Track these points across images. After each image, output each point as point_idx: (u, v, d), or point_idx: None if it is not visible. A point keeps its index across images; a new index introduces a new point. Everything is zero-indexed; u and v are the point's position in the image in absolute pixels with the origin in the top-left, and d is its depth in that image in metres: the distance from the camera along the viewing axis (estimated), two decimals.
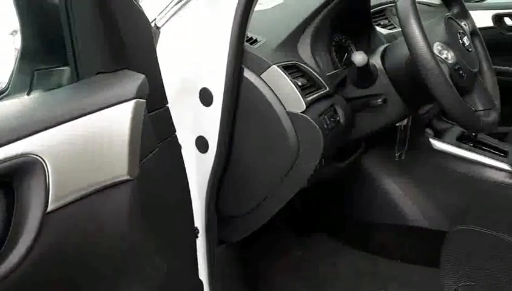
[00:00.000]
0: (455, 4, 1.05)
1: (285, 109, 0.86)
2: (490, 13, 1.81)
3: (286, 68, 0.88)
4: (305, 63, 0.95)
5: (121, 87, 0.58)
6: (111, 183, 0.56)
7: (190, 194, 0.88)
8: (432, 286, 1.21)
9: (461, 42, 0.94)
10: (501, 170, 1.20)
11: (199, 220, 1.00)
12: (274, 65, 0.86)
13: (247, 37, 0.90)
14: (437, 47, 0.89)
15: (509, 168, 1.19)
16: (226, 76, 0.84)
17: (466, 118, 0.82)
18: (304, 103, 0.86)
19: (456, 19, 1.00)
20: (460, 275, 0.82)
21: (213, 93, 0.87)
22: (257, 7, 0.88)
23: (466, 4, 1.11)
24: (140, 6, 0.68)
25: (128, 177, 0.58)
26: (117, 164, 0.56)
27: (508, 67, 1.83)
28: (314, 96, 0.90)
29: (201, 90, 0.88)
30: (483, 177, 1.21)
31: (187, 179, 0.85)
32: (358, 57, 0.93)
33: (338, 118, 0.96)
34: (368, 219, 1.41)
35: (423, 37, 0.80)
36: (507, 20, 1.82)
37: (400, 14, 0.83)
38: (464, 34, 0.97)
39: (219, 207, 1.00)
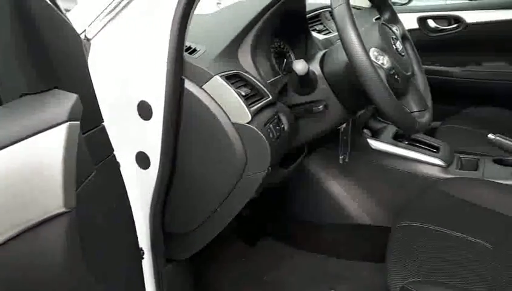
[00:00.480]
0: (386, 10, 1.10)
1: (230, 120, 0.84)
2: (415, 16, 1.93)
3: (228, 78, 0.86)
4: (247, 72, 0.94)
5: (50, 110, 0.53)
6: (45, 218, 0.50)
7: (132, 215, 0.83)
8: (380, 281, 1.26)
9: (394, 47, 0.98)
10: (434, 165, 1.27)
11: (144, 240, 0.95)
12: (216, 76, 0.84)
13: (185, 46, 0.87)
14: (373, 53, 0.91)
15: (442, 163, 1.27)
16: (166, 87, 0.80)
17: (404, 121, 0.85)
18: (249, 113, 0.84)
19: (388, 24, 1.04)
20: (406, 272, 0.85)
21: (153, 106, 0.82)
22: (195, 11, 0.85)
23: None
24: (67, 18, 0.62)
25: (64, 209, 0.52)
26: (51, 197, 0.50)
27: (433, 66, 1.97)
28: (258, 105, 0.89)
29: (139, 103, 0.83)
30: (418, 173, 1.28)
31: (128, 199, 0.80)
32: (299, 66, 0.93)
33: (282, 126, 0.96)
34: (315, 220, 1.43)
35: (360, 44, 0.82)
36: (430, 22, 1.96)
37: (337, 21, 0.84)
38: (396, 39, 1.01)
39: (165, 224, 0.95)
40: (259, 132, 0.85)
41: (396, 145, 1.32)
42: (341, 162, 1.30)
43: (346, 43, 0.83)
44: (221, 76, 0.84)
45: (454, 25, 1.90)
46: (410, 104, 0.97)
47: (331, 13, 1.53)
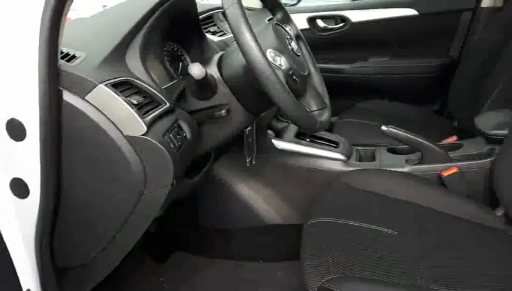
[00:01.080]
0: (278, 10, 1.09)
1: (122, 134, 0.75)
2: (305, 16, 2.00)
3: (115, 86, 0.77)
4: (138, 78, 0.85)
5: None
6: None
7: (9, 254, 0.70)
8: (297, 279, 1.26)
9: (290, 47, 0.97)
10: (336, 159, 1.31)
11: (32, 279, 0.81)
12: (101, 84, 0.74)
13: (62, 53, 0.76)
14: (270, 54, 0.90)
15: (342, 157, 1.31)
16: (40, 101, 0.68)
17: (305, 121, 0.85)
18: (144, 124, 0.76)
19: (281, 24, 1.03)
20: (322, 269, 0.84)
21: (25, 125, 0.70)
22: (72, 15, 0.74)
23: None
24: None
25: None
26: None
27: (324, 64, 2.06)
28: (154, 113, 0.81)
29: (7, 122, 0.70)
30: (322, 168, 1.30)
31: (2, 237, 0.67)
32: (195, 70, 0.87)
33: (184, 134, 0.89)
34: (228, 226, 1.39)
35: (257, 46, 0.79)
36: (319, 22, 2.04)
37: (231, 22, 0.80)
38: (291, 39, 1.01)
39: (56, 259, 0.83)
40: (157, 144, 0.77)
41: (299, 143, 1.34)
42: (248, 165, 1.27)
43: (242, 45, 0.79)
44: (106, 85, 0.75)
45: (341, 24, 2.01)
46: (309, 104, 0.97)
47: (224, 13, 1.51)
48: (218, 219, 1.41)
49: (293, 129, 1.41)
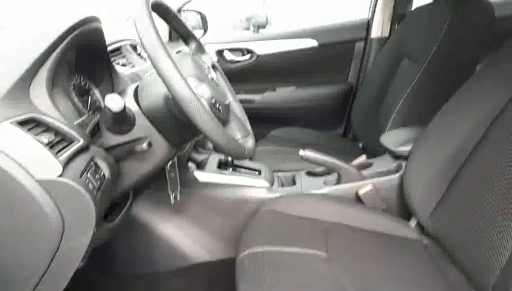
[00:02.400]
0: (192, 40, 1.08)
1: (34, 178, 0.65)
2: (214, 47, 2.02)
3: (21, 124, 0.67)
4: (45, 114, 0.76)
5: None
6: None
7: None
8: None
9: (209, 76, 0.96)
10: (260, 187, 1.31)
11: None
12: (4, 122, 0.64)
13: None
14: (191, 83, 0.87)
15: (266, 184, 1.32)
16: None
17: (233, 148, 0.83)
18: (59, 164, 0.67)
19: (197, 54, 1.02)
20: None
21: None
22: None
23: None
24: None
25: None
26: None
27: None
28: (68, 152, 0.73)
29: None
30: (247, 197, 1.29)
31: None
32: (113, 102, 0.81)
33: (102, 173, 0.81)
34: (151, 270, 1.29)
35: (179, 74, 0.76)
36: (227, 53, 2.08)
37: (149, 51, 0.77)
38: (209, 68, 1.00)
39: None
40: (76, 185, 0.68)
41: (222, 174, 1.32)
42: (172, 201, 1.21)
43: (163, 74, 0.75)
44: (11, 122, 0.65)
45: (247, 56, 2.07)
46: (234, 132, 0.96)
47: (132, 45, 1.46)
48: (140, 264, 1.30)
49: (214, 160, 1.39)
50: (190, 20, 2.00)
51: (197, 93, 0.85)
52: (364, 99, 1.87)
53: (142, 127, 0.90)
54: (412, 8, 1.92)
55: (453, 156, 1.06)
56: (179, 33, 1.06)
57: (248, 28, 2.89)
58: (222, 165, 1.36)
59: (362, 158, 1.48)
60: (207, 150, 1.47)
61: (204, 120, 0.76)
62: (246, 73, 2.08)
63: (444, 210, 1.04)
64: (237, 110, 1.07)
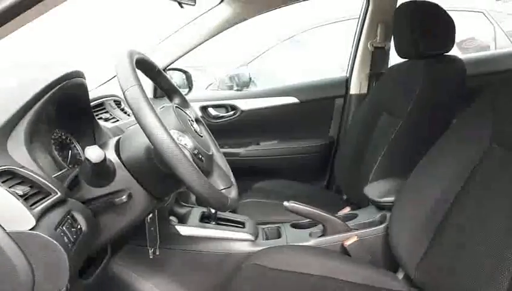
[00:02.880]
0: (176, 95, 1.10)
1: (4, 230, 0.63)
2: (198, 104, 2.06)
3: None
4: (22, 167, 0.75)
5: None
6: None
7: None
8: None
9: (193, 128, 0.97)
10: (244, 240, 1.28)
11: None
12: None
13: None
14: (174, 135, 0.87)
15: (250, 237, 1.29)
16: None
17: (216, 199, 0.82)
18: (32, 216, 0.65)
19: (180, 107, 1.03)
20: None
21: None
22: None
23: None
24: None
25: None
26: None
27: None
28: (44, 204, 0.71)
29: None
30: (231, 251, 1.26)
31: None
32: (93, 153, 0.80)
33: (79, 226, 0.79)
34: None
35: (162, 127, 0.77)
36: (211, 110, 2.12)
37: (131, 104, 0.78)
38: (193, 121, 1.01)
39: None
40: (49, 238, 0.66)
41: (205, 228, 1.29)
42: (151, 256, 1.16)
43: (145, 126, 0.76)
44: None
45: (231, 112, 2.12)
46: (217, 183, 0.96)
47: (116, 101, 1.48)
48: None
49: (196, 213, 1.36)
50: (175, 78, 2.06)
51: (180, 144, 0.85)
52: (346, 152, 1.91)
53: (123, 178, 0.89)
54: (389, 66, 2.02)
55: (435, 206, 1.07)
56: (163, 88, 1.08)
57: (231, 87, 2.97)
58: (205, 219, 1.34)
59: (346, 210, 1.48)
60: (190, 204, 1.45)
61: (186, 170, 0.76)
62: (230, 128, 2.11)
63: (431, 259, 1.03)
64: (220, 161, 1.07)
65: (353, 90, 2.10)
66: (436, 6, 1.52)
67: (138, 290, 1.20)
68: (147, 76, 1.00)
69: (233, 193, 0.95)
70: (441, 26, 1.51)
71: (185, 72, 2.05)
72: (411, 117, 1.48)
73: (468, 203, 1.00)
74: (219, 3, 1.77)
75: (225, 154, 2.08)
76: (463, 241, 0.96)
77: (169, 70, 1.97)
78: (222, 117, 2.11)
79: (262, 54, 3.34)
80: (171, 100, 1.10)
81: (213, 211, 1.34)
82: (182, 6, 1.33)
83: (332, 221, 1.29)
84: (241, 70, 3.04)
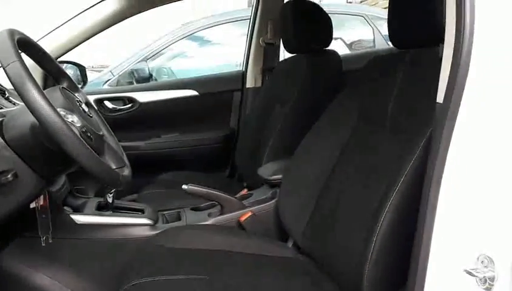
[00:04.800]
0: (63, 79, 1.08)
1: None
2: (93, 97, 2.01)
3: None
4: None
5: None
6: None
7: None
8: None
9: (81, 108, 0.97)
10: (142, 225, 1.30)
11: None
12: None
13: None
14: (61, 112, 0.87)
15: (149, 222, 1.31)
16: None
17: (108, 175, 0.84)
18: None
19: (68, 90, 1.02)
20: None
21: None
22: None
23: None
24: None
25: None
26: None
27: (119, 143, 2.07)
28: None
29: None
30: (129, 236, 1.27)
31: None
32: None
33: None
34: None
35: (47, 103, 0.76)
36: (107, 103, 2.08)
37: (14, 81, 0.77)
38: (81, 102, 1.01)
39: None
40: None
41: (102, 216, 1.28)
42: (43, 244, 1.12)
43: (30, 102, 0.76)
44: None
45: (129, 105, 2.10)
46: (109, 162, 0.97)
47: (0, 90, 1.38)
48: None
49: (92, 203, 1.34)
50: (68, 70, 1.98)
51: (67, 121, 0.86)
52: (245, 142, 2.02)
53: (8, 159, 0.86)
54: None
55: (315, 180, 1.20)
56: (51, 72, 1.06)
57: (131, 82, 2.93)
58: (101, 208, 1.33)
59: (243, 191, 1.58)
60: (86, 196, 1.43)
61: (74, 145, 0.77)
62: (129, 121, 2.09)
63: (312, 226, 1.16)
64: (112, 142, 1.08)
65: (249, 83, 2.22)
66: (316, 5, 1.70)
67: (31, 283, 1.16)
68: (31, 58, 0.98)
69: (126, 171, 0.97)
70: (321, 24, 1.69)
71: (78, 65, 1.99)
72: (297, 104, 1.64)
73: (340, 175, 1.15)
74: None
75: (125, 147, 2.07)
76: (335, 208, 1.09)
77: (60, 62, 1.89)
78: (119, 110, 2.09)
79: (163, 49, 3.34)
80: (58, 83, 1.08)
81: (110, 200, 1.33)
82: None
83: (228, 200, 1.38)
84: (140, 65, 3.01)
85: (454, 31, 0.70)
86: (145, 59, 3.09)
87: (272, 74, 2.03)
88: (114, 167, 0.97)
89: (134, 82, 2.99)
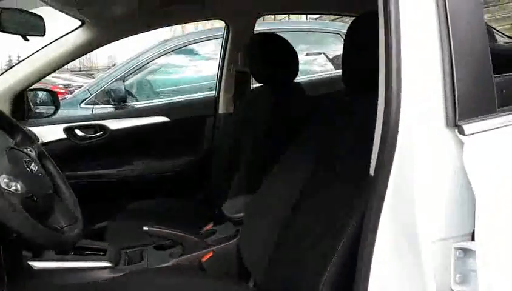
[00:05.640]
0: (17, 133, 1.08)
1: None
2: (61, 127, 2.00)
3: None
4: None
5: None
6: None
7: None
8: None
9: (28, 169, 0.97)
10: (102, 268, 1.30)
11: None
12: None
13: None
14: (3, 181, 0.87)
15: (109, 264, 1.31)
16: None
17: (49, 240, 0.85)
18: None
19: (20, 147, 1.02)
20: None
21: None
22: None
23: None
24: None
25: None
26: None
27: (90, 171, 2.06)
28: None
29: None
30: (89, 280, 1.27)
31: None
32: None
33: None
34: None
35: None
36: (78, 131, 2.08)
37: None
38: (31, 161, 1.01)
39: None
40: None
41: (62, 260, 1.27)
42: None
43: None
44: None
45: (100, 133, 2.10)
46: (59, 220, 0.97)
47: None
48: None
49: None
50: (39, 97, 1.98)
51: (9, 190, 0.86)
52: (216, 168, 2.03)
53: None
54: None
55: (276, 218, 1.21)
56: (2, 127, 1.05)
57: (108, 102, 2.92)
58: (62, 251, 1.33)
59: (209, 226, 1.59)
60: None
61: (14, 219, 0.78)
62: (100, 149, 2.09)
63: (273, 266, 1.17)
64: (66, 196, 1.08)
65: (222, 109, 2.24)
66: (283, 39, 1.72)
67: None
68: None
69: (75, 230, 0.98)
70: (288, 57, 1.71)
71: (49, 91, 1.98)
72: (262, 137, 1.65)
73: (299, 215, 1.16)
74: (79, 26, 1.76)
75: (96, 176, 2.07)
76: (296, 247, 1.10)
77: (30, 90, 1.88)
78: (90, 138, 2.08)
79: (142, 67, 3.33)
80: (13, 138, 1.07)
81: None
82: (27, 39, 1.30)
83: (189, 240, 1.38)
84: (116, 84, 3.01)
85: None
86: (122, 78, 3.08)
87: (242, 102, 2.04)
88: (64, 225, 0.98)
89: (111, 101, 2.98)
